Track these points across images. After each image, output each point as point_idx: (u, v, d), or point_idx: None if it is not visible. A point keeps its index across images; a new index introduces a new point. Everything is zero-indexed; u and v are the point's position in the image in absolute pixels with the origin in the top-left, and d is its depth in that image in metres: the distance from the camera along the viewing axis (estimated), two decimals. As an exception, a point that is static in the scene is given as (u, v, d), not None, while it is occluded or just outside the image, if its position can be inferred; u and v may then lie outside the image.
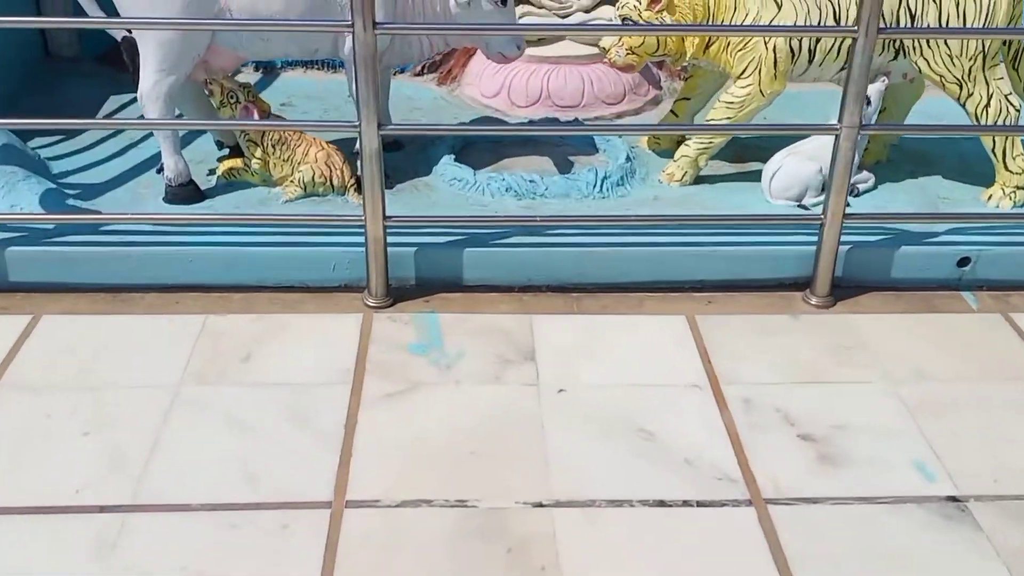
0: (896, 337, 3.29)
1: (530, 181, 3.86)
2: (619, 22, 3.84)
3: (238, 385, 2.95)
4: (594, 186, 3.86)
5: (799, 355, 3.19)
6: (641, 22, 3.78)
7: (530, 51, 4.63)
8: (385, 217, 3.27)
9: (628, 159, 4.03)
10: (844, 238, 3.40)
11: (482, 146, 4.33)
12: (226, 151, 4.06)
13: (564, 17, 4.71)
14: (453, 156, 4.03)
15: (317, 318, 3.32)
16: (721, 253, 3.50)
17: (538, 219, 3.31)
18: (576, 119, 4.43)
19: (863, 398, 2.98)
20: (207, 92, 3.77)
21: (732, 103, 3.84)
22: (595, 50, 4.68)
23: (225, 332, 3.23)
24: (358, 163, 3.88)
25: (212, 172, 3.94)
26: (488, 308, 3.40)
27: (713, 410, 2.91)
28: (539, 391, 2.96)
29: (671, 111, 4.24)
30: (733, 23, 3.76)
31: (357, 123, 3.14)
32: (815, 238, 3.44)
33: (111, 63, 4.58)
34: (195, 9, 3.47)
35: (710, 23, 3.79)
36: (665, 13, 3.75)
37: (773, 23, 3.72)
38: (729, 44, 3.80)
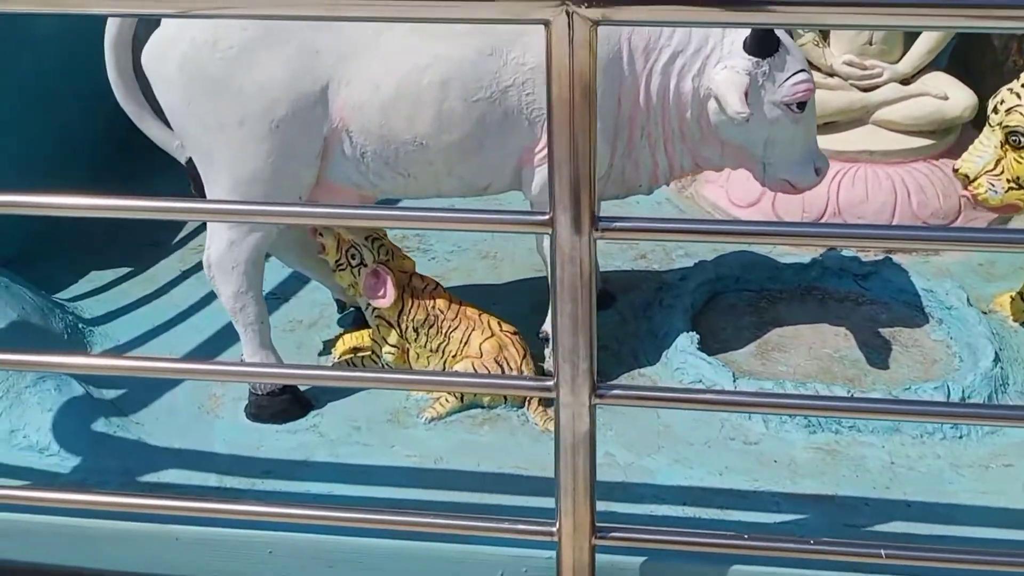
0: None
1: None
2: (996, 134, 2.22)
3: None
4: (943, 415, 2.27)
5: None
6: (1045, 139, 2.16)
7: (810, 142, 3.04)
8: (596, 531, 1.81)
9: (996, 358, 2.40)
10: None
11: (733, 300, 2.81)
12: (350, 315, 2.70)
13: (868, 90, 3.07)
14: (696, 336, 2.52)
15: None
16: None
17: (883, 554, 1.76)
18: (890, 260, 2.81)
19: None
20: (318, 248, 2.41)
21: None
22: (914, 142, 3.06)
23: None
24: (546, 353, 2.46)
25: (327, 348, 2.60)
26: None
27: None
28: None
29: (1058, 261, 2.59)
30: None
31: (551, 381, 1.68)
32: None
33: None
34: (290, 135, 2.10)
35: None
36: (1098, 127, 2.11)
37: None
38: None
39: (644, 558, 1.96)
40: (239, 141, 2.10)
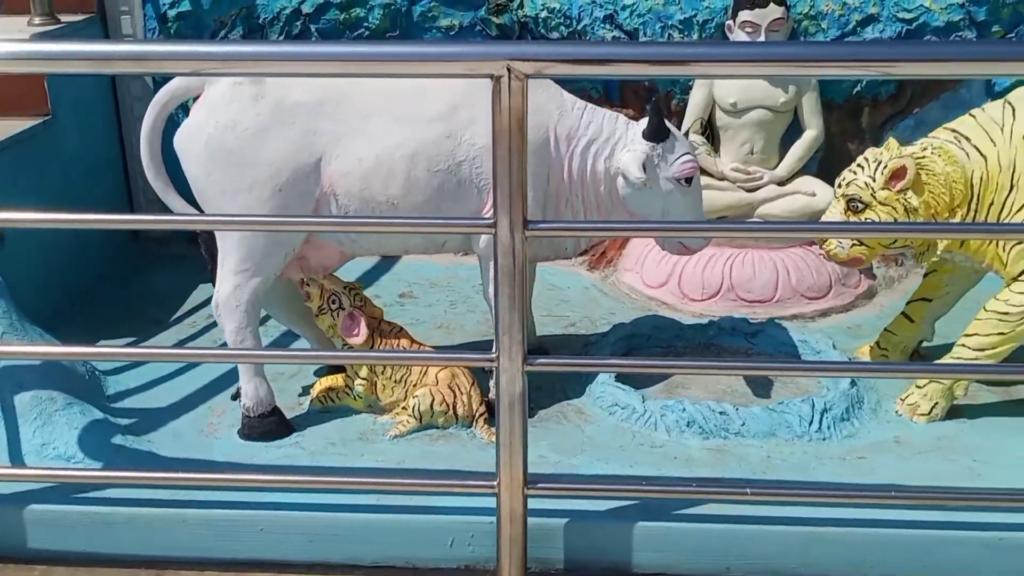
0: None
1: (720, 413, 2.85)
2: (840, 203, 2.87)
3: None
4: (810, 422, 2.83)
5: None
6: (874, 203, 2.81)
7: (707, 232, 3.69)
8: (527, 483, 2.31)
9: (852, 383, 2.98)
10: None
11: (650, 353, 3.37)
12: (324, 368, 3.21)
13: (752, 191, 3.77)
14: (613, 374, 3.08)
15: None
16: (1014, 541, 2.39)
17: (748, 491, 2.29)
18: (774, 321, 3.42)
19: None
20: (303, 296, 2.95)
21: (1008, 315, 2.77)
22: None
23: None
24: (490, 384, 2.98)
25: (305, 391, 3.09)
26: (672, 622, 2.37)
27: None
28: None
29: (903, 315, 3.20)
30: (1009, 208, 2.75)
31: (494, 354, 2.23)
32: None
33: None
34: (289, 197, 2.68)
35: (973, 206, 2.78)
36: (910, 193, 2.77)
37: (1073, 208, 2.70)
38: (1001, 233, 2.78)
39: (568, 515, 2.45)
40: (249, 202, 2.67)
